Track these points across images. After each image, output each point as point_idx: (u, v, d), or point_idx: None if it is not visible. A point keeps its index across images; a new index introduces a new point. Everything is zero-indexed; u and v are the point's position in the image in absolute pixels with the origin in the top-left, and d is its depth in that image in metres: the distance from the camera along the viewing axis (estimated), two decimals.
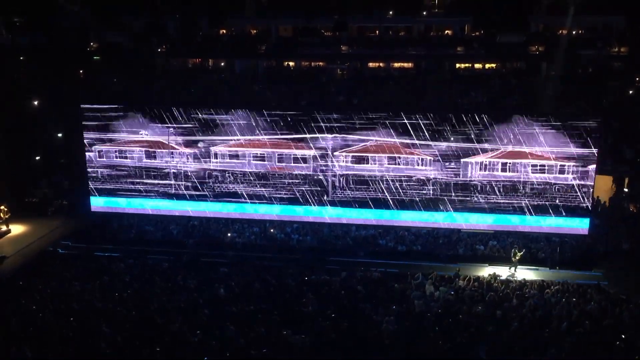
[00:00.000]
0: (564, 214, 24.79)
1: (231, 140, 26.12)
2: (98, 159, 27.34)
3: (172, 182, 26.94)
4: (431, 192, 25.32)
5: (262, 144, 26.02)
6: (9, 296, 19.90)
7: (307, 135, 25.47)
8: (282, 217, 27.03)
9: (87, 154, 27.30)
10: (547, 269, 23.58)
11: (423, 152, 24.96)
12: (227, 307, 18.59)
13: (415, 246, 25.71)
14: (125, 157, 27.17)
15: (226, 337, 16.58)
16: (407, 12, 32.74)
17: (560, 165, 24.36)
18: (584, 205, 24.66)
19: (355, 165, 25.66)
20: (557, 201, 24.75)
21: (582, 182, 24.44)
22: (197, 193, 26.93)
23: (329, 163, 25.74)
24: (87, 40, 33.82)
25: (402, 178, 25.46)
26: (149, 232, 27.39)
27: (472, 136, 24.40)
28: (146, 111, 26.36)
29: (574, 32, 30.15)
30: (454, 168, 24.90)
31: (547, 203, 24.76)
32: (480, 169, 24.78)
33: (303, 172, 26.03)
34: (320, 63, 33.72)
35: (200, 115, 25.98)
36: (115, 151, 27.14)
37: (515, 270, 22.92)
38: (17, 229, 27.70)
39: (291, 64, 34.92)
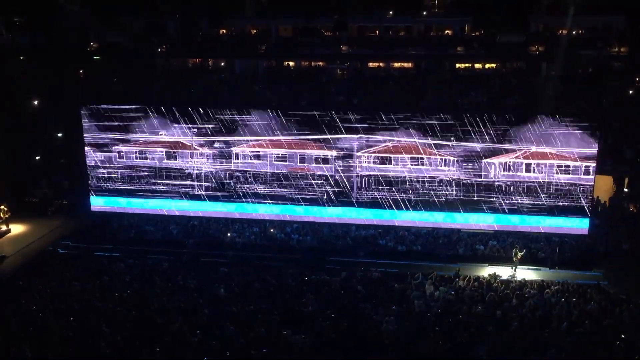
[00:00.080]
0: (566, 214, 24.83)
1: (253, 140, 26.12)
2: (118, 160, 27.28)
3: (194, 182, 26.89)
4: (454, 193, 25.28)
5: (283, 144, 25.97)
6: (9, 296, 19.89)
7: (329, 136, 25.49)
8: (282, 217, 27.03)
9: (106, 154, 27.27)
10: (547, 269, 23.59)
11: (445, 153, 24.94)
12: (227, 307, 18.59)
13: (415, 246, 25.71)
14: (146, 158, 27.15)
15: (226, 337, 16.59)
16: (407, 12, 32.71)
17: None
18: (584, 205, 24.68)
19: (379, 166, 25.62)
20: (559, 201, 24.77)
21: (582, 182, 24.46)
22: (218, 194, 26.92)
23: (352, 164, 25.68)
24: (87, 40, 33.79)
25: (425, 179, 25.43)
26: (149, 232, 27.38)
27: (493, 137, 24.45)
28: (162, 111, 26.36)
29: (574, 32, 30.13)
30: (474, 169, 24.90)
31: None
32: (504, 170, 24.74)
33: (325, 173, 26.00)
34: (320, 63, 33.70)
35: (221, 116, 25.95)
36: (136, 152, 27.13)
37: (515, 271, 22.93)
38: (17, 228, 27.70)
39: (291, 64, 34.91)
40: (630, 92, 30.41)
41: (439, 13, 33.51)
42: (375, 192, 25.87)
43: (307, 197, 26.39)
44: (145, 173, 27.22)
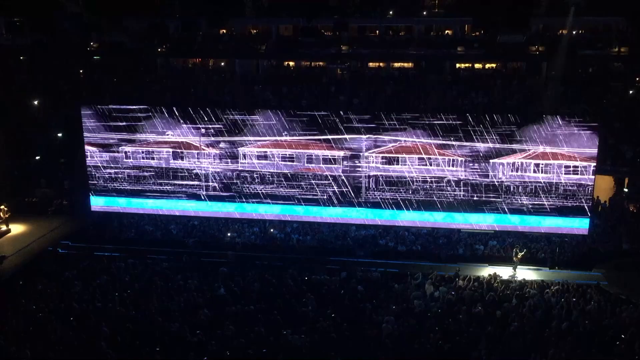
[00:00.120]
0: (566, 214, 24.84)
1: (260, 140, 26.01)
2: (125, 160, 27.22)
3: (202, 183, 26.78)
4: (462, 193, 25.18)
5: (290, 144, 25.87)
6: (9, 296, 19.91)
7: (338, 136, 25.36)
8: (281, 217, 27.03)
9: (112, 154, 27.16)
10: (547, 269, 23.59)
11: (453, 153, 24.87)
12: (227, 307, 18.60)
13: (415, 246, 25.71)
14: (152, 158, 27.07)
15: (226, 337, 16.59)
16: (407, 12, 32.66)
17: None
18: (584, 205, 24.68)
19: (386, 166, 25.53)
20: (559, 201, 24.77)
21: (582, 182, 24.47)
22: (224, 194, 26.78)
23: (360, 164, 25.59)
24: (87, 40, 33.80)
25: (433, 179, 25.34)
26: (149, 232, 27.39)
27: (495, 137, 24.37)
28: (169, 112, 26.29)
29: (574, 33, 30.10)
30: (482, 169, 24.81)
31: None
32: (512, 170, 24.67)
33: (333, 174, 25.90)
34: (321, 63, 33.70)
35: (228, 116, 25.85)
36: (142, 152, 27.04)
37: (516, 271, 22.93)
38: (17, 228, 27.70)
39: (291, 64, 34.91)
40: (631, 92, 30.39)
41: (439, 13, 33.42)
42: (384, 193, 25.72)
43: (314, 197, 26.25)
44: (152, 173, 27.11)
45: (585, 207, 24.72)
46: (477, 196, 25.13)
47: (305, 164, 25.98)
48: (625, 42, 30.38)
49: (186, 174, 26.96)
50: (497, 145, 24.54)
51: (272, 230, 26.92)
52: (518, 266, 23.13)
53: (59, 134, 32.18)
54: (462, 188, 25.16)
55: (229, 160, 26.45)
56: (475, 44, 31.34)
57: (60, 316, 17.90)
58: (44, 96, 32.15)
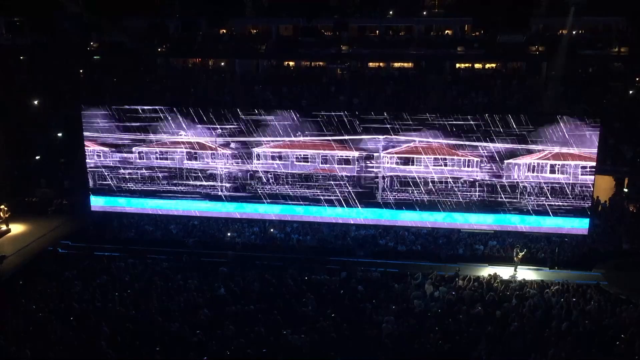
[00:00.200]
0: (566, 214, 24.84)
1: (275, 141, 25.95)
2: (138, 161, 27.15)
3: (216, 183, 26.72)
4: (477, 194, 25.11)
5: (305, 145, 25.82)
6: (9, 296, 19.92)
7: (353, 137, 25.32)
8: (281, 217, 27.02)
9: (126, 155, 27.06)
10: (547, 269, 23.60)
11: (469, 153, 24.80)
12: (227, 307, 18.60)
13: (415, 246, 25.71)
14: (166, 159, 26.99)
15: (226, 337, 16.60)
16: (407, 12, 32.64)
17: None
18: (584, 205, 24.68)
19: (401, 166, 25.44)
20: (559, 201, 24.77)
21: (582, 182, 24.47)
22: (239, 194, 26.73)
23: (376, 164, 25.53)
24: (87, 40, 33.80)
25: (449, 179, 25.27)
26: (148, 232, 27.39)
27: (516, 137, 24.29)
28: (186, 112, 26.25)
29: (574, 33, 30.10)
30: (497, 169, 24.72)
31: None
32: (529, 170, 24.59)
33: (348, 174, 25.83)
34: (321, 63, 33.71)
35: (242, 116, 25.81)
36: (156, 152, 26.96)
37: (517, 271, 22.93)
38: (17, 228, 27.72)
39: (291, 64, 34.92)
40: (631, 92, 30.40)
41: (439, 13, 33.39)
42: (399, 194, 25.65)
43: (329, 198, 26.17)
44: (165, 174, 27.06)
45: (585, 207, 24.72)
46: (491, 197, 25.03)
47: (320, 165, 25.91)
48: (625, 42, 30.37)
49: (200, 174, 26.88)
50: (512, 146, 24.44)
51: (272, 230, 26.93)
52: (519, 266, 23.12)
53: (59, 134, 32.20)
54: (477, 189, 25.06)
55: (242, 160, 26.36)
56: (475, 44, 31.34)
57: (60, 316, 17.91)
58: (44, 96, 32.14)
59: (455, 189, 25.22)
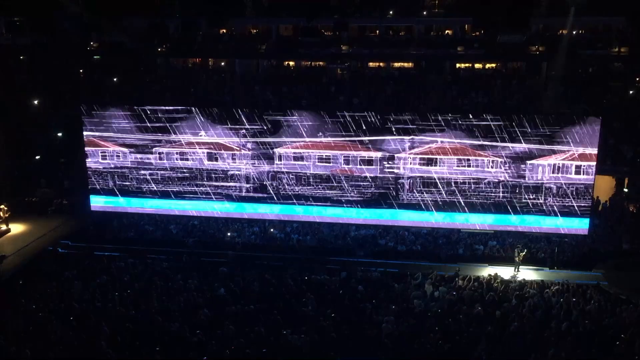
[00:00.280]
0: (566, 214, 24.84)
1: (296, 142, 25.83)
2: (158, 162, 27.03)
3: (236, 184, 26.63)
4: (501, 195, 24.99)
5: (326, 145, 25.66)
6: (9, 296, 19.92)
7: (375, 137, 25.21)
8: (281, 217, 27.02)
9: (145, 156, 26.89)
10: (547, 269, 23.60)
11: (492, 154, 24.69)
12: (227, 307, 18.60)
13: (415, 246, 25.71)
14: (187, 160, 26.89)
15: (226, 337, 16.59)
16: (407, 12, 32.67)
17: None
18: (584, 205, 24.68)
19: (424, 167, 25.30)
20: (559, 201, 24.77)
21: (582, 182, 24.47)
22: (263, 195, 26.61)
23: (398, 165, 25.39)
24: (87, 40, 33.81)
25: (472, 180, 25.13)
26: (148, 232, 27.39)
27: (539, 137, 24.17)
28: (205, 112, 26.10)
29: (574, 33, 30.11)
30: (522, 170, 24.63)
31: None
32: (552, 172, 24.50)
33: (371, 175, 25.70)
34: (321, 63, 33.72)
35: (265, 117, 25.70)
36: (176, 153, 26.85)
37: (518, 271, 22.93)
38: (17, 228, 27.72)
39: (291, 63, 34.93)
40: (631, 92, 30.41)
41: (439, 13, 33.42)
42: (422, 194, 25.51)
43: (350, 199, 26.06)
44: (186, 174, 26.96)
45: (585, 207, 24.73)
46: (515, 198, 24.99)
47: (342, 165, 25.82)
48: (625, 42, 30.38)
49: (221, 175, 26.80)
50: (534, 147, 24.34)
51: (272, 230, 26.92)
52: (519, 266, 23.13)
53: (59, 134, 32.20)
54: (501, 189, 24.96)
55: (263, 161, 26.27)
56: (475, 44, 31.36)
57: (60, 316, 17.90)
58: (44, 96, 32.14)
59: (477, 190, 25.12)
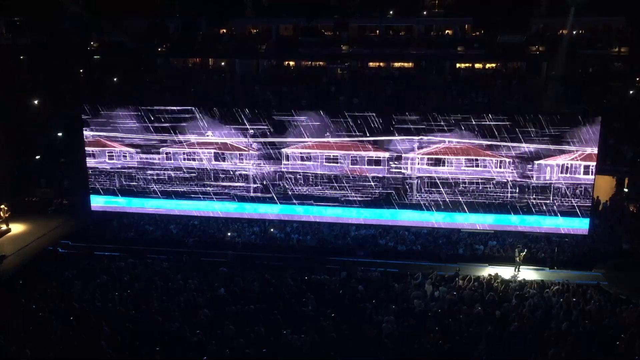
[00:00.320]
0: (566, 214, 24.83)
1: (304, 142, 25.75)
2: (165, 162, 26.98)
3: (243, 184, 26.56)
4: (509, 195, 24.92)
5: (334, 146, 25.59)
6: (9, 296, 19.91)
7: (383, 137, 25.14)
8: (281, 217, 27.02)
9: (152, 156, 26.84)
10: (547, 269, 23.60)
11: (499, 154, 24.63)
12: (227, 307, 18.60)
13: (415, 246, 25.71)
14: (193, 159, 26.85)
15: (226, 337, 16.59)
16: (407, 12, 32.70)
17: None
18: (584, 205, 24.68)
19: (432, 167, 25.23)
20: (559, 200, 24.78)
21: (582, 182, 24.47)
22: (272, 195, 26.53)
23: (406, 165, 25.32)
24: (87, 40, 33.83)
25: (480, 180, 25.06)
26: (149, 232, 27.38)
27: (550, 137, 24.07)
28: (214, 113, 26.07)
29: (574, 33, 30.13)
30: (529, 170, 24.55)
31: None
32: (561, 172, 24.45)
33: (379, 175, 25.62)
34: (321, 63, 33.73)
35: (273, 116, 25.68)
36: (183, 153, 26.78)
37: (518, 271, 22.93)
38: (17, 228, 27.71)
39: (291, 63, 34.94)
40: (631, 92, 30.41)
41: (439, 13, 33.43)
42: (431, 195, 25.44)
43: (360, 199, 25.99)
44: (194, 174, 26.89)
45: (585, 207, 24.75)
46: (523, 198, 24.92)
47: (350, 166, 25.75)
48: (625, 42, 30.40)
49: (231, 175, 26.74)
50: (543, 146, 24.29)
51: (272, 230, 26.92)
52: (520, 266, 23.14)
53: (59, 134, 32.20)
54: (509, 190, 24.88)
55: (270, 161, 26.21)
56: (475, 44, 31.38)
57: (60, 316, 17.90)
58: (44, 96, 32.15)
59: (484, 190, 25.06)
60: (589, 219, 24.89)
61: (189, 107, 26.35)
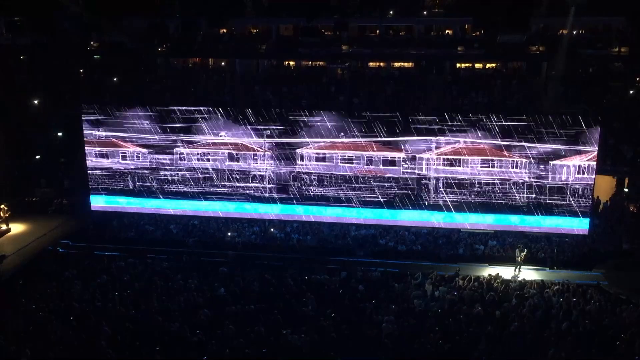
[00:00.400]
0: (566, 214, 24.83)
1: (321, 142, 25.64)
2: (179, 162, 26.93)
3: (258, 185, 26.51)
4: (525, 195, 24.85)
5: (349, 146, 25.49)
6: (9, 296, 19.91)
7: (399, 138, 25.07)
8: (281, 217, 27.01)
9: (166, 156, 26.79)
10: (547, 269, 23.60)
11: (515, 155, 24.57)
12: (227, 307, 18.60)
13: (415, 246, 25.71)
14: (207, 160, 26.77)
15: (226, 337, 16.60)
16: (407, 12, 32.71)
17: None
18: (584, 205, 24.68)
19: (448, 168, 25.14)
20: (559, 200, 24.78)
21: (582, 182, 24.47)
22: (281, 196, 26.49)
23: (422, 166, 25.22)
24: (87, 40, 33.84)
25: (496, 181, 25.00)
26: (149, 232, 27.38)
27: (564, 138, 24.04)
28: (227, 112, 26.00)
29: (574, 33, 30.14)
30: (543, 171, 24.52)
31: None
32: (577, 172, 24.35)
33: (395, 176, 25.50)
34: (321, 63, 33.74)
35: (289, 117, 25.61)
36: (198, 154, 26.72)
37: (519, 271, 22.93)
38: (17, 228, 27.71)
39: (291, 63, 34.94)
40: (631, 92, 30.41)
41: (439, 13, 33.43)
42: (447, 195, 25.36)
43: (375, 200, 25.88)
44: (207, 175, 26.82)
45: (585, 207, 24.76)
46: (542, 198, 24.88)
47: (365, 166, 25.67)
48: (625, 42, 30.40)
49: (245, 175, 26.67)
50: (560, 147, 24.25)
51: (272, 230, 26.92)
52: (520, 266, 23.14)
53: (59, 134, 32.20)
54: (525, 190, 24.82)
55: (283, 162, 26.15)
56: (475, 44, 31.38)
57: (60, 316, 17.90)
58: (44, 96, 32.16)
59: (502, 190, 25.03)
60: (589, 219, 24.90)
61: (204, 107, 26.20)
